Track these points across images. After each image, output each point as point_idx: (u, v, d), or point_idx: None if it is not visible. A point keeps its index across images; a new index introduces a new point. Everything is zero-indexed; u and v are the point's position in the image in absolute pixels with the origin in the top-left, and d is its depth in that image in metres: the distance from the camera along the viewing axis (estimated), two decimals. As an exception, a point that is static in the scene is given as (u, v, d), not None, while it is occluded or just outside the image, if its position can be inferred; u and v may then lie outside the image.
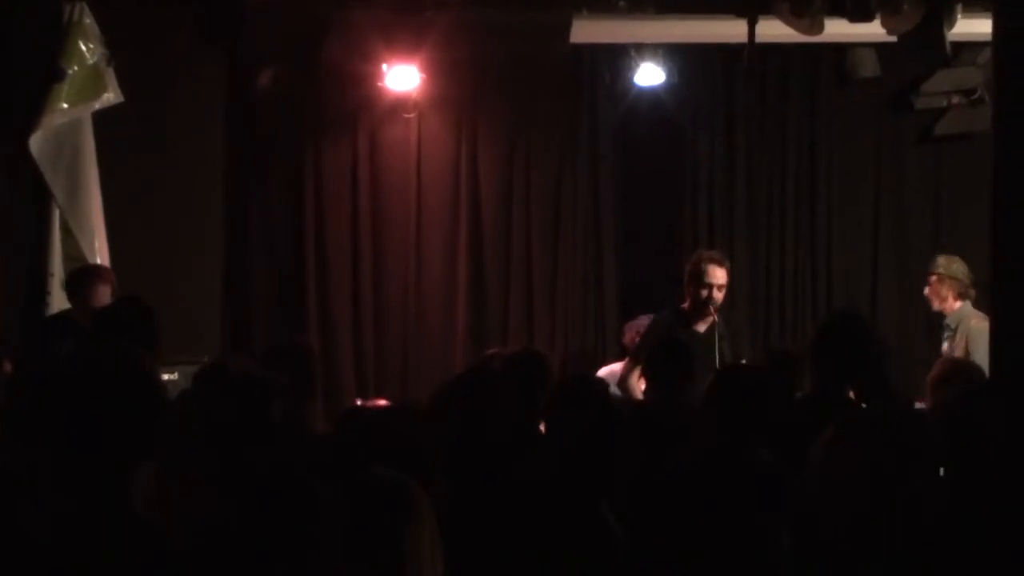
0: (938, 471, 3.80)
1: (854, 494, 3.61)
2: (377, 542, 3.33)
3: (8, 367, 6.61)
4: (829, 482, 3.68)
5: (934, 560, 3.55)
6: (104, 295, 7.76)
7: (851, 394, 6.33)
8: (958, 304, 9.09)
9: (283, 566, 3.55)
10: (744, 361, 8.45)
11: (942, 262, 9.17)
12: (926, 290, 9.25)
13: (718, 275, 8.31)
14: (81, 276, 8.09)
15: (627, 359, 8.63)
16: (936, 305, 9.19)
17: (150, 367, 3.08)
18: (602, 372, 8.73)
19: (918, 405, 6.32)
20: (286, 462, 4.03)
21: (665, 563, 3.81)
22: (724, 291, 8.37)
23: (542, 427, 5.84)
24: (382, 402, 8.17)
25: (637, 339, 8.96)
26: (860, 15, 8.37)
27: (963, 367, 6.62)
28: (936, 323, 9.51)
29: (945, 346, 9.03)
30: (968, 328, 8.83)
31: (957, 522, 3.69)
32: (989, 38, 6.76)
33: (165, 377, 6.67)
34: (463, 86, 10.31)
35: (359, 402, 8.61)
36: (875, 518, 3.57)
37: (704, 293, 8.26)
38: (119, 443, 2.91)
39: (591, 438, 4.79)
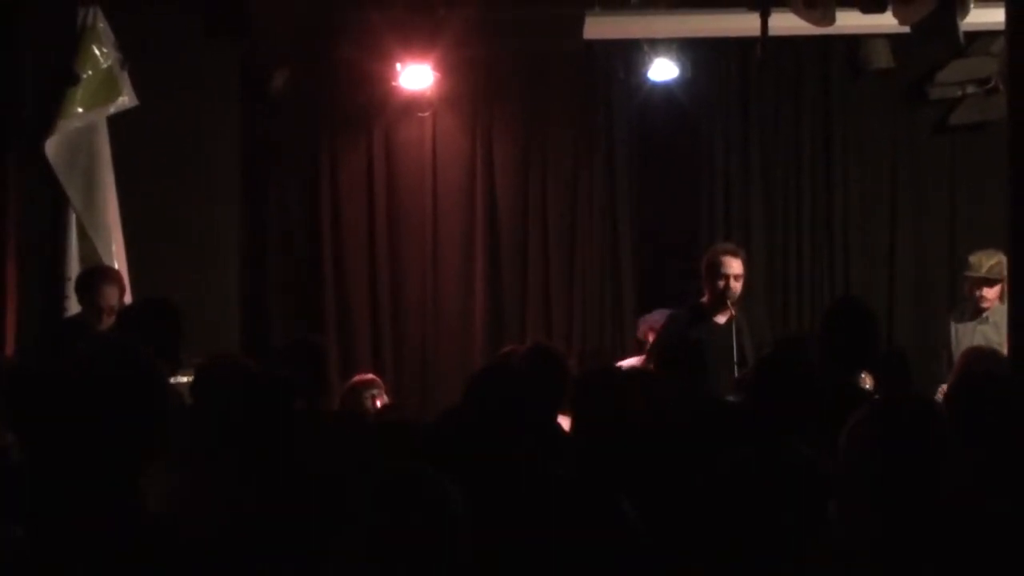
0: (956, 461, 3.79)
1: (874, 486, 3.60)
2: (405, 540, 3.32)
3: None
4: (851, 473, 3.68)
5: (958, 552, 3.53)
6: (112, 296, 7.78)
7: (866, 383, 6.34)
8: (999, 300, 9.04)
9: (299, 563, 3.55)
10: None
11: (1003, 263, 8.97)
12: (987, 292, 9.08)
13: (733, 265, 8.33)
14: (88, 278, 8.11)
15: (644, 355, 8.63)
16: (990, 305, 9.07)
17: (156, 365, 3.07)
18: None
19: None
20: (304, 459, 4.04)
21: (692, 561, 3.78)
22: (741, 281, 8.38)
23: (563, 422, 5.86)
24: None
25: (652, 335, 8.96)
26: (872, 6, 8.33)
27: (988, 355, 6.63)
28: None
29: (976, 341, 8.87)
30: None
31: (979, 510, 3.68)
32: (1002, 27, 6.76)
33: (183, 379, 6.67)
34: (477, 84, 10.33)
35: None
36: (897, 511, 3.56)
37: (721, 284, 8.28)
38: (124, 441, 2.91)
39: (611, 431, 4.79)
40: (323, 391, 6.39)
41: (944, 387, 6.45)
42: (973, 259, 9.17)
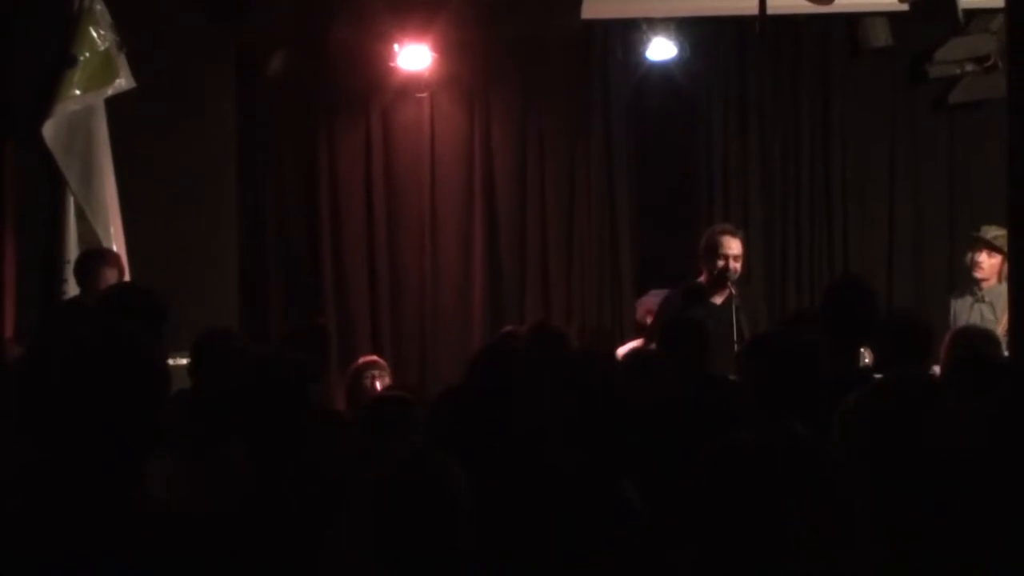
0: (954, 440, 3.79)
1: (871, 466, 3.60)
2: (410, 520, 3.33)
3: (17, 351, 6.63)
4: (848, 454, 3.68)
5: (952, 533, 3.54)
6: (111, 278, 7.78)
7: (865, 358, 6.34)
8: (996, 280, 8.99)
9: (304, 548, 3.55)
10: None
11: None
12: (983, 257, 9.04)
13: (733, 245, 8.33)
14: (87, 260, 8.11)
15: (643, 337, 8.62)
16: (987, 281, 9.03)
17: (155, 351, 3.05)
18: (621, 351, 8.71)
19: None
20: (311, 444, 4.04)
21: (692, 543, 3.79)
22: (741, 261, 8.39)
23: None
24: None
25: (650, 317, 8.95)
26: (871, -16, 8.34)
27: (974, 333, 6.62)
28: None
29: (972, 319, 8.85)
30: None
31: (977, 492, 3.68)
32: (1001, 4, 6.74)
33: (182, 362, 6.65)
34: (475, 64, 10.29)
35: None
36: (891, 490, 3.56)
37: (721, 264, 8.28)
38: (124, 428, 2.89)
39: (614, 412, 4.80)
40: (325, 373, 6.38)
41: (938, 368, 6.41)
42: (983, 228, 9.14)
